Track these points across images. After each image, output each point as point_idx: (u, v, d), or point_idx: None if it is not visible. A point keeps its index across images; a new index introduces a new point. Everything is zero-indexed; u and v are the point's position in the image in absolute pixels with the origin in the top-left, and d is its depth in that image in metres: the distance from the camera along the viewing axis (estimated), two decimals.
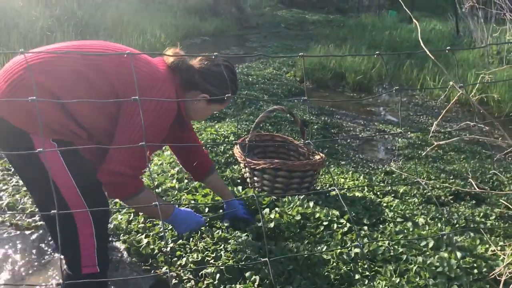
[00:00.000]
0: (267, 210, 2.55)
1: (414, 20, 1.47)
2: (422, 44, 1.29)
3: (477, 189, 2.27)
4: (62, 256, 1.95)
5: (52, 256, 2.42)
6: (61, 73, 1.71)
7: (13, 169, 3.25)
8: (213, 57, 1.25)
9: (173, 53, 1.96)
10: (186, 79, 1.96)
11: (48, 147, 1.70)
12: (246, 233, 2.37)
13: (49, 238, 2.55)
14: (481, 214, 2.84)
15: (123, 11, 9.90)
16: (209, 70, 2.00)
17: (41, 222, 2.66)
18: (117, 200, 2.62)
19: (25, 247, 2.47)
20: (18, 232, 2.59)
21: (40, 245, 2.50)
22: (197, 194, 2.72)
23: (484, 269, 2.08)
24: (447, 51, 1.21)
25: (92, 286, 1.95)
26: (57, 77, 1.70)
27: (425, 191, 3.14)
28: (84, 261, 1.84)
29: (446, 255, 2.14)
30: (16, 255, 2.41)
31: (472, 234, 2.52)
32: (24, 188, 2.97)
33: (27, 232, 2.59)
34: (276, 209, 2.52)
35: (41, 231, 2.61)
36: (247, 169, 2.95)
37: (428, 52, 1.23)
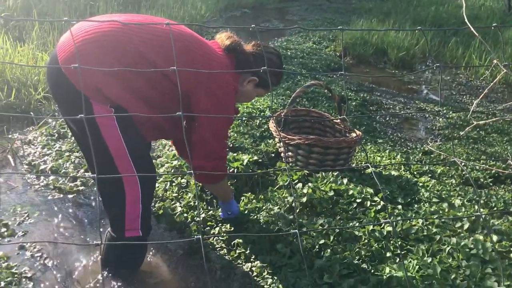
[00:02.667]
0: (299, 184, 2.56)
1: None
2: (466, 20, 1.25)
3: None
4: (107, 218, 2.04)
5: (95, 218, 2.52)
6: (125, 50, 1.75)
7: (57, 135, 3.37)
8: (250, 29, 1.25)
9: (227, 36, 2.04)
10: (242, 62, 2.03)
11: (105, 113, 1.77)
12: (278, 206, 2.40)
13: (92, 202, 2.66)
14: None
15: None
16: (262, 56, 2.06)
17: (83, 187, 2.77)
18: None
19: (68, 209, 2.58)
20: (61, 195, 2.71)
21: (82, 208, 2.61)
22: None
23: None
24: (493, 27, 1.16)
25: (132, 248, 2.04)
26: (123, 53, 1.75)
27: (463, 173, 3.06)
28: (128, 225, 1.93)
29: (481, 237, 2.10)
30: (60, 216, 2.52)
31: (510, 218, 2.45)
32: (67, 153, 3.09)
33: (69, 196, 2.70)
34: (309, 184, 2.53)
35: (82, 195, 2.72)
36: (281, 143, 2.96)
37: (472, 29, 1.18)
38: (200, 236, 0.90)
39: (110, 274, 2.09)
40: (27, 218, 2.48)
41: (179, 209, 2.51)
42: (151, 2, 8.13)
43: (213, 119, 1.93)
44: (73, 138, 3.28)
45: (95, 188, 2.74)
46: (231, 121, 2.18)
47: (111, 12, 6.71)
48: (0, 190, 2.69)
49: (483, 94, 1.57)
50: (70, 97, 1.78)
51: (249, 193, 2.58)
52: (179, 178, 2.73)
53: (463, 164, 2.91)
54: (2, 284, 1.96)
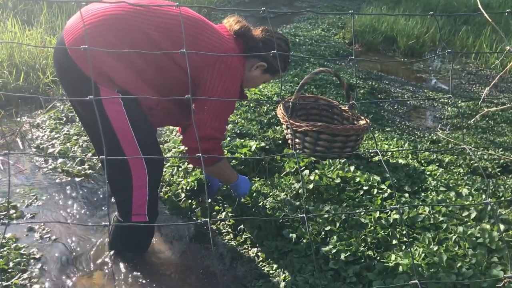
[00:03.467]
0: (306, 171, 2.56)
1: None
2: (480, 5, 1.23)
3: None
4: (114, 201, 2.05)
5: (102, 201, 2.54)
6: (133, 33, 1.75)
7: (65, 119, 3.39)
8: (261, 12, 1.24)
9: (236, 20, 2.03)
10: (251, 47, 2.02)
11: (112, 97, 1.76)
12: (284, 192, 2.40)
13: (99, 186, 2.67)
14: None
15: None
16: (271, 41, 2.04)
17: (90, 171, 2.78)
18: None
19: (76, 192, 2.60)
20: (69, 178, 2.73)
21: (89, 191, 2.63)
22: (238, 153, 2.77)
23: None
24: (506, 13, 1.15)
25: (139, 232, 2.05)
26: (132, 37, 1.75)
27: (471, 162, 3.05)
28: (135, 209, 1.94)
29: (488, 226, 2.09)
30: (67, 199, 2.54)
31: None
32: (75, 137, 3.11)
33: (77, 179, 2.72)
34: (316, 171, 2.53)
35: (90, 178, 2.74)
36: (289, 130, 2.95)
37: (485, 15, 1.17)
38: (208, 219, 0.90)
39: (116, 257, 2.11)
40: (35, 200, 2.50)
41: (184, 194, 2.52)
42: None
43: (215, 102, 1.91)
44: (80, 122, 3.29)
45: (103, 172, 2.75)
46: (233, 105, 2.15)
47: None
48: (10, 172, 2.71)
49: (493, 82, 1.55)
50: (76, 81, 1.77)
51: (257, 178, 2.59)
52: (186, 163, 2.74)
53: (473, 151, 2.89)
54: (11, 264, 1.99)
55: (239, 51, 1.99)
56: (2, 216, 2.32)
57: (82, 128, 3.20)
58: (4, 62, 3.80)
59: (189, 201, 2.48)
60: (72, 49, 1.72)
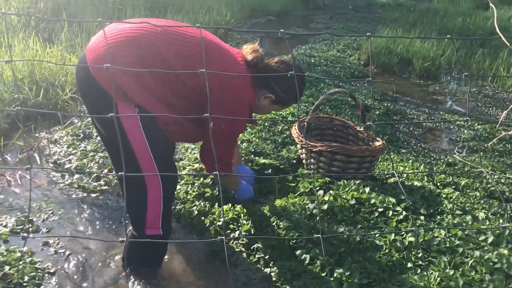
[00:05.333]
0: (321, 192, 2.55)
1: (491, 4, 1.40)
2: (498, 29, 1.23)
3: None
4: (129, 218, 2.08)
5: (118, 217, 2.56)
6: (147, 52, 1.81)
7: (82, 135, 3.43)
8: (279, 34, 1.25)
9: (252, 49, 2.08)
10: (261, 78, 2.08)
11: (130, 112, 1.81)
12: (299, 212, 2.39)
13: (114, 202, 2.69)
14: None
15: None
16: (282, 74, 2.06)
17: (106, 187, 2.81)
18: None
19: (91, 208, 2.62)
20: (85, 194, 2.76)
21: (105, 207, 2.65)
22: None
23: None
24: None
25: (153, 246, 2.06)
26: (145, 55, 1.80)
27: (488, 185, 3.01)
28: (149, 223, 1.96)
29: (506, 252, 2.06)
30: (83, 214, 2.56)
31: None
32: (92, 153, 3.14)
33: (93, 195, 2.75)
34: (331, 191, 2.52)
35: (106, 194, 2.76)
36: (303, 150, 2.96)
37: (502, 37, 1.17)
38: (224, 237, 0.90)
39: (130, 273, 2.11)
40: (51, 215, 2.52)
41: (197, 211, 2.52)
42: (177, 7, 8.23)
43: (222, 129, 2.02)
44: (98, 138, 3.34)
45: (119, 188, 2.78)
46: (240, 129, 2.30)
47: (138, 16, 6.82)
48: (31, 187, 2.75)
49: (511, 106, 1.54)
50: (96, 97, 1.83)
51: (272, 197, 2.59)
52: (201, 179, 2.75)
53: (490, 174, 2.85)
54: (26, 278, 2.00)
55: (250, 79, 2.04)
56: (19, 230, 2.34)
57: (100, 145, 3.24)
58: (25, 78, 3.88)
59: (203, 218, 2.49)
60: (93, 67, 1.77)
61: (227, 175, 2.31)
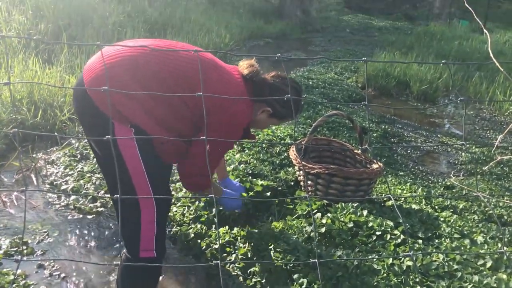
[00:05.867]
0: (318, 214, 2.53)
1: (485, 30, 1.41)
2: (491, 54, 1.24)
3: None
4: (121, 238, 2.05)
5: (111, 240, 2.53)
6: (145, 73, 1.82)
7: (79, 156, 3.43)
8: (276, 57, 1.26)
9: (248, 64, 2.11)
10: (258, 92, 2.10)
11: (126, 132, 1.81)
12: (296, 235, 2.38)
13: (110, 223, 2.67)
14: None
15: (191, 10, 10.16)
16: (278, 88, 2.13)
17: (102, 208, 2.79)
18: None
19: (87, 230, 2.60)
20: (81, 215, 2.74)
21: (101, 229, 2.63)
22: None
23: None
24: None
25: (147, 269, 2.03)
26: (143, 76, 1.82)
27: (486, 209, 3.00)
28: (143, 245, 1.94)
29: (505, 276, 2.04)
30: (78, 236, 2.54)
31: None
32: (88, 174, 3.13)
33: (89, 217, 2.73)
34: (328, 214, 2.50)
35: (101, 216, 2.74)
36: (301, 172, 2.95)
37: (496, 63, 1.18)
38: (219, 262, 0.89)
39: None
40: (46, 237, 2.50)
41: (194, 234, 2.50)
42: (176, 29, 8.32)
43: (212, 143, 2.01)
44: (95, 159, 3.33)
45: (114, 210, 2.76)
46: (232, 147, 2.28)
47: (137, 37, 6.89)
48: (25, 209, 2.73)
49: (508, 129, 1.55)
50: (92, 116, 1.84)
51: (269, 220, 2.57)
52: (197, 203, 2.74)
53: (490, 199, 2.84)
54: None
55: (247, 95, 2.05)
56: (13, 252, 2.32)
57: (96, 166, 3.23)
58: (24, 99, 3.90)
59: (199, 241, 2.47)
60: (90, 89, 1.79)
61: (210, 188, 2.22)
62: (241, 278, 2.22)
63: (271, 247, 2.30)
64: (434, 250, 2.32)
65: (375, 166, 2.91)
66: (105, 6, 7.53)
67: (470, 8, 1.60)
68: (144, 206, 1.91)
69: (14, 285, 2.06)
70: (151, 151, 1.92)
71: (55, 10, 6.45)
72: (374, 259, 2.16)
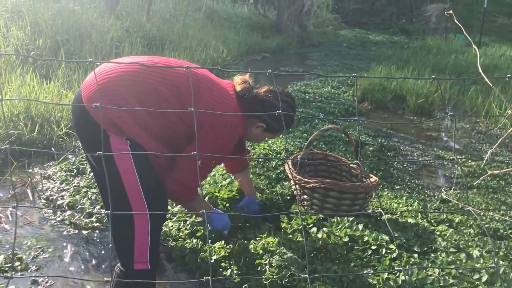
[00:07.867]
0: (314, 229, 2.53)
1: (474, 46, 1.43)
2: (481, 71, 1.26)
3: None
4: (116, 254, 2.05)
5: (106, 255, 2.52)
6: (142, 87, 1.87)
7: (75, 171, 3.43)
8: (267, 74, 1.28)
9: (242, 80, 2.17)
10: (250, 107, 2.16)
11: (121, 143, 1.84)
12: (291, 250, 2.37)
13: (105, 239, 2.66)
14: None
15: (189, 25, 10.24)
16: (270, 103, 2.20)
17: (98, 224, 2.78)
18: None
19: (82, 245, 2.59)
20: (76, 231, 2.73)
21: (96, 244, 2.62)
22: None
23: None
24: (507, 78, 1.17)
25: (141, 283, 2.02)
26: (140, 90, 1.87)
27: (483, 222, 3.00)
28: (137, 257, 1.93)
29: None
30: (74, 252, 2.53)
31: None
32: (84, 189, 3.13)
33: (84, 232, 2.72)
34: (324, 229, 2.50)
35: (97, 231, 2.73)
36: (297, 186, 2.95)
37: (486, 78, 1.20)
38: (210, 277, 0.90)
39: None
40: (41, 252, 2.49)
41: (189, 250, 2.50)
42: (174, 44, 8.38)
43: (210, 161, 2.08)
44: (91, 174, 3.34)
45: (109, 224, 2.75)
46: (219, 162, 2.38)
47: (135, 53, 6.93)
48: (17, 224, 2.72)
49: (498, 143, 1.56)
50: (89, 129, 1.88)
51: (264, 235, 2.56)
52: (192, 217, 2.73)
53: (480, 213, 2.85)
54: None
55: (240, 110, 2.10)
56: (7, 268, 2.31)
57: (92, 181, 3.23)
58: (21, 114, 3.91)
59: (195, 256, 2.46)
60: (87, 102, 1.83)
61: (192, 202, 2.25)
62: None
63: (266, 262, 2.29)
64: (429, 264, 2.31)
65: (371, 180, 2.91)
66: (103, 22, 7.59)
67: (459, 24, 1.62)
68: (138, 218, 1.91)
69: None
70: (145, 163, 1.94)
71: (54, 25, 6.50)
72: (369, 274, 2.16)
